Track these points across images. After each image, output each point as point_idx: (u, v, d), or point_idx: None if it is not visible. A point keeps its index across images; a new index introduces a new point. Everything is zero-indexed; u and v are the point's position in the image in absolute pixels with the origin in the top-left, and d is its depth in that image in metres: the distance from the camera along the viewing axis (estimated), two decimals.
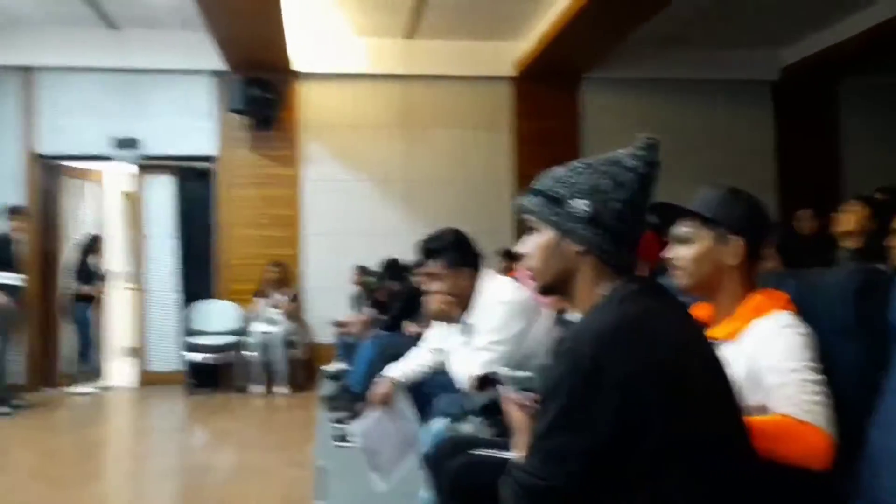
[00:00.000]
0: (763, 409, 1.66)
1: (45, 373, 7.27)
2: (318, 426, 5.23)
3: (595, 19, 6.22)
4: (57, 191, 7.70)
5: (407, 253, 6.30)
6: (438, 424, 2.50)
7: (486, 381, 2.41)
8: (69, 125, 7.41)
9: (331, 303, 7.56)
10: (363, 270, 7.25)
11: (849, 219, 3.76)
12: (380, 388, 3.02)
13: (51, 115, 7.40)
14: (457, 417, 2.35)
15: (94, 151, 7.46)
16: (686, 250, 1.83)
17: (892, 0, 6.58)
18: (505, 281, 2.99)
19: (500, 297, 2.78)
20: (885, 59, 7.37)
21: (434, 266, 2.86)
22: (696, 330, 1.46)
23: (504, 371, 2.53)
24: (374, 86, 7.85)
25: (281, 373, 7.01)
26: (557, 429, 1.26)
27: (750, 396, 1.67)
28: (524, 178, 7.74)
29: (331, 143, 7.80)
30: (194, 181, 7.74)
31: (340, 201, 7.76)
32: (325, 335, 7.47)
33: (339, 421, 4.81)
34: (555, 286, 1.47)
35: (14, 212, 6.54)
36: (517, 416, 1.53)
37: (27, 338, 7.01)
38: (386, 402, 3.00)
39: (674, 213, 1.87)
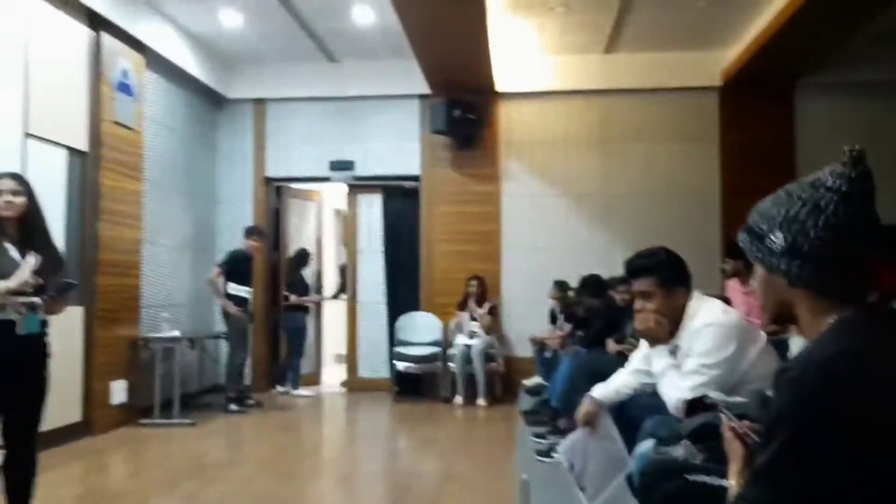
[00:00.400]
0: None
1: (270, 376, 8.01)
2: (518, 439, 5.32)
3: (815, 20, 5.83)
4: (281, 210, 8.49)
5: (605, 269, 6.27)
6: (646, 446, 2.48)
7: (697, 406, 2.36)
8: (293, 150, 8.16)
9: (529, 317, 7.67)
10: (561, 286, 7.27)
11: None
12: (584, 407, 3.04)
13: (277, 141, 8.19)
14: (666, 440, 2.32)
15: (314, 174, 8.15)
16: None
17: None
18: (715, 303, 2.90)
19: (710, 320, 2.69)
20: None
21: (644, 284, 2.81)
22: None
23: (716, 396, 2.48)
24: (574, 102, 7.88)
25: (480, 385, 7.20)
26: (780, 463, 1.22)
27: None
28: (733, 191, 7.41)
29: (531, 160, 7.93)
30: (401, 199, 8.19)
31: (540, 217, 7.87)
32: (523, 349, 7.60)
33: (539, 435, 4.87)
34: (780, 318, 1.44)
35: (252, 231, 7.27)
36: (733, 445, 1.50)
37: (255, 344, 7.75)
38: (591, 422, 3.01)
39: None
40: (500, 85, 7.77)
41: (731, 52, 7.31)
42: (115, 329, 5.96)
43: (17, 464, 2.91)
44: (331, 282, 9.79)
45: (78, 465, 4.84)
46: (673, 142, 7.77)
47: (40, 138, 5.15)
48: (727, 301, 3.72)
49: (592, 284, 6.17)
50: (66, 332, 5.08)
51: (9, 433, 2.88)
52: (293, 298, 7.90)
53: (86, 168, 5.72)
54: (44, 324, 2.94)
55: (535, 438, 4.90)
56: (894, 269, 2.02)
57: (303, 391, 7.78)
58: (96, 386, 5.69)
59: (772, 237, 1.37)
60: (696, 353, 2.65)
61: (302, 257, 8.24)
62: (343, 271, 8.96)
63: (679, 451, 2.14)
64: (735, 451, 1.49)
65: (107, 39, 5.87)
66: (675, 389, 2.60)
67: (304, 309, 8.01)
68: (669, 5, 6.46)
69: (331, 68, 8.05)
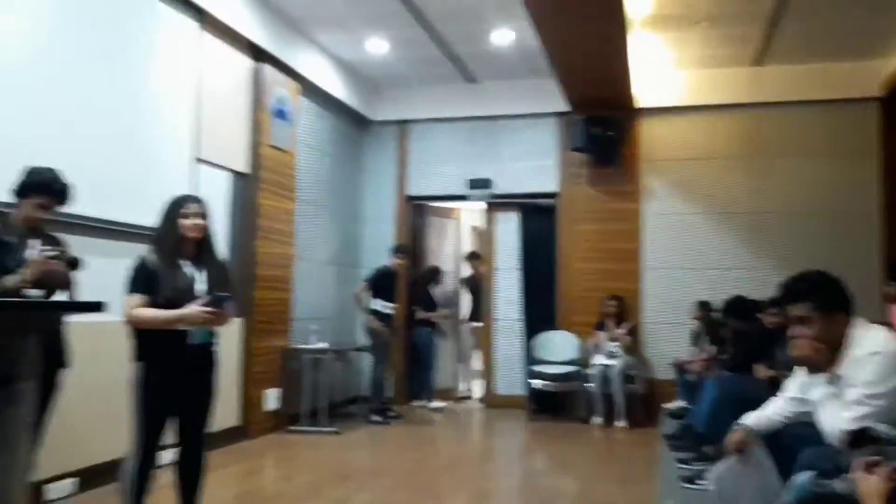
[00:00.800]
0: None
1: (407, 389, 8.22)
2: (660, 464, 5.19)
3: None
4: (422, 227, 8.73)
5: (751, 289, 6.03)
6: (803, 478, 2.38)
7: (860, 438, 2.25)
8: (433, 169, 8.39)
9: (669, 338, 7.49)
10: (704, 306, 7.04)
11: None
12: (736, 435, 2.95)
13: (419, 161, 8.46)
14: (827, 473, 2.22)
15: (453, 192, 8.34)
16: None
17: None
18: (879, 330, 2.74)
19: (875, 348, 2.55)
20: None
21: (801, 309, 2.68)
22: None
23: (882, 428, 2.35)
24: (719, 117, 7.65)
25: (619, 406, 7.07)
26: None
27: None
28: (894, 209, 6.92)
29: (672, 176, 7.75)
30: (537, 217, 8.22)
31: (681, 235, 7.67)
32: (664, 371, 7.41)
33: (684, 461, 4.74)
34: None
35: (399, 249, 7.53)
36: (868, 483, 1.42)
37: (395, 358, 7.98)
38: (742, 450, 2.92)
39: None
40: (640, 101, 7.65)
41: (894, 61, 6.84)
42: (270, 340, 6.35)
43: (189, 463, 3.16)
44: (467, 299, 9.92)
45: (235, 467, 5.19)
46: (827, 156, 7.37)
47: (208, 162, 5.61)
48: (890, 327, 3.50)
49: (739, 306, 5.94)
50: (226, 341, 5.44)
51: (182, 434, 3.13)
52: (419, 314, 8.08)
53: (246, 189, 6.16)
54: (212, 334, 3.19)
55: (679, 464, 4.76)
56: None
57: (435, 404, 7.93)
58: (252, 393, 6.08)
59: None
60: (861, 382, 2.51)
61: (432, 274, 8.41)
62: (469, 285, 9.01)
63: (841, 484, 2.05)
64: (870, 489, 1.42)
65: (267, 70, 6.32)
66: (837, 420, 2.48)
67: (431, 324, 8.11)
68: (822, 14, 6.16)
69: (470, 89, 8.23)
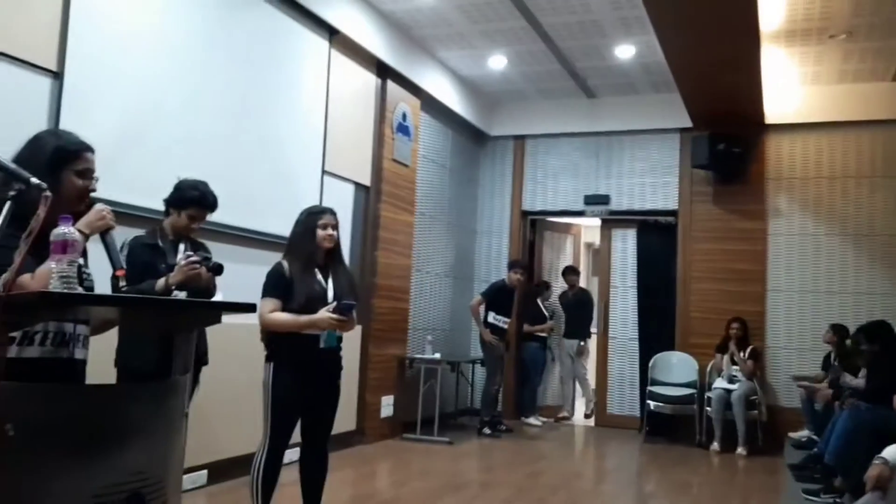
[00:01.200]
0: None
1: (517, 404, 8.19)
2: (784, 493, 4.96)
3: None
4: (536, 242, 8.73)
5: (887, 317, 5.67)
6: None
7: None
8: (549, 184, 8.38)
9: (795, 363, 7.16)
10: (838, 330, 6.66)
11: None
12: (876, 469, 2.80)
13: (535, 175, 8.47)
14: None
15: (570, 207, 8.30)
16: None
17: None
18: None
19: None
20: None
21: None
22: None
23: None
24: (853, 134, 7.27)
25: (740, 432, 6.78)
26: None
27: None
28: None
29: (802, 195, 7.42)
30: (655, 234, 8.04)
31: (811, 257, 7.32)
32: (787, 398, 7.09)
33: (811, 492, 4.51)
34: None
35: (516, 265, 7.52)
36: None
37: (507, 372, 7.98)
38: (882, 486, 2.76)
39: None
40: (769, 117, 7.37)
41: None
42: (387, 348, 6.52)
43: (313, 462, 3.29)
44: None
45: (352, 470, 5.34)
46: None
47: (335, 175, 5.84)
48: None
49: (881, 331, 5.58)
50: (346, 348, 5.63)
51: (307, 435, 3.27)
52: (526, 327, 8.05)
53: (368, 201, 6.37)
54: (339, 339, 3.31)
55: (806, 495, 4.54)
56: None
57: (534, 420, 7.88)
58: (369, 399, 6.25)
59: None
60: None
61: (541, 288, 8.36)
62: (565, 301, 8.76)
63: None
64: None
65: (391, 86, 6.52)
66: None
67: (538, 339, 8.07)
68: None
69: (589, 104, 8.18)
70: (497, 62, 7.23)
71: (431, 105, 7.32)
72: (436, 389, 6.70)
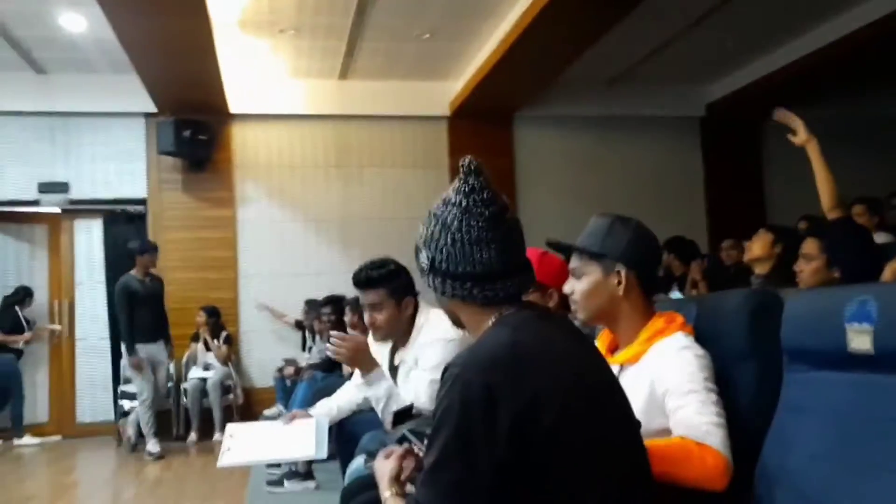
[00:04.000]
0: (666, 432, 1.67)
1: None
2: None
3: (522, 61, 6.34)
4: None
5: (344, 292, 6.27)
6: (357, 463, 2.46)
7: (403, 416, 2.40)
8: None
9: (269, 345, 7.47)
10: (312, 305, 7.03)
11: (755, 246, 3.95)
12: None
13: None
14: (374, 455, 2.32)
15: (20, 197, 7.28)
16: (579, 284, 1.85)
17: (808, 40, 6.91)
18: (442, 315, 2.94)
19: (437, 334, 2.65)
20: (803, 92, 7.65)
21: (373, 296, 2.73)
22: (590, 355, 1.46)
23: (427, 406, 2.52)
24: (310, 126, 7.84)
25: (217, 419, 6.82)
26: (449, 459, 1.24)
27: (653, 420, 1.69)
28: None
29: (267, 183, 7.74)
30: (124, 224, 7.58)
31: (277, 242, 7.69)
32: (262, 379, 7.37)
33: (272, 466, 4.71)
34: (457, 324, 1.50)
35: None
36: (382, 465, 1.51)
37: None
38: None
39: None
40: (234, 106, 7.49)
41: (458, 84, 7.74)
42: None
43: None
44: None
45: None
46: (407, 167, 8.00)
47: None
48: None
49: (332, 303, 6.14)
50: None
51: None
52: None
53: None
54: None
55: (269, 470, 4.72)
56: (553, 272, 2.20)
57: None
58: None
59: (419, 257, 1.44)
60: (424, 367, 2.63)
61: (18, 296, 7.27)
62: None
63: (370, 465, 2.15)
64: (383, 471, 1.49)
65: None
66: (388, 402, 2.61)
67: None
68: (395, 37, 6.66)
69: (39, 80, 7.24)
70: None
71: None
72: None
